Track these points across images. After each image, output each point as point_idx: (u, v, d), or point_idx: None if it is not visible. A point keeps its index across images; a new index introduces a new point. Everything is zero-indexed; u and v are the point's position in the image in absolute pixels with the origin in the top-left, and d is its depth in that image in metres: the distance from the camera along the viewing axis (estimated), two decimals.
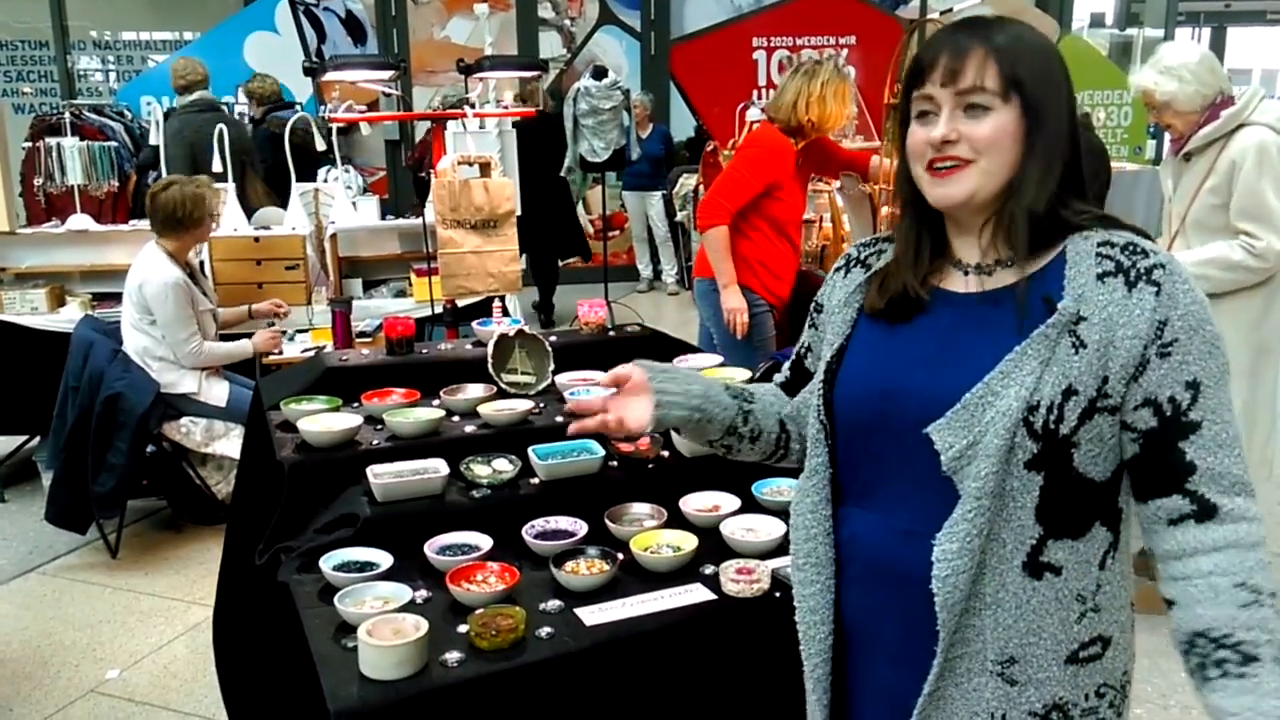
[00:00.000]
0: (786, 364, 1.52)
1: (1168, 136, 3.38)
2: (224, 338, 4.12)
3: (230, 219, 4.69)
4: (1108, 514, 1.19)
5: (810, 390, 1.37)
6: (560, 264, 8.09)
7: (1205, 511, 1.15)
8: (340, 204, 5.01)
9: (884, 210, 4.41)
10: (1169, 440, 1.15)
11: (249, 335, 4.11)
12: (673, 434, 2.26)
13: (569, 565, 1.87)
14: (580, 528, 2.03)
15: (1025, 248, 1.19)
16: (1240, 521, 1.15)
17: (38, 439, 4.83)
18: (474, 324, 2.91)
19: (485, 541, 1.96)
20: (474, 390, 2.51)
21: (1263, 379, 3.25)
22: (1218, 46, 14.52)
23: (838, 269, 1.41)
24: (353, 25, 8.94)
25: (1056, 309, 1.14)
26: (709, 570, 1.89)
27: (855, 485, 1.30)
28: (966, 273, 1.25)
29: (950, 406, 1.16)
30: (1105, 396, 1.14)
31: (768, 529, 2.01)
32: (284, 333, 4.33)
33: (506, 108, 4.84)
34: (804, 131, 3.63)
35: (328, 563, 1.88)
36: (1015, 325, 1.17)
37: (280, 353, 4.26)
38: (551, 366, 2.61)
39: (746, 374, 2.58)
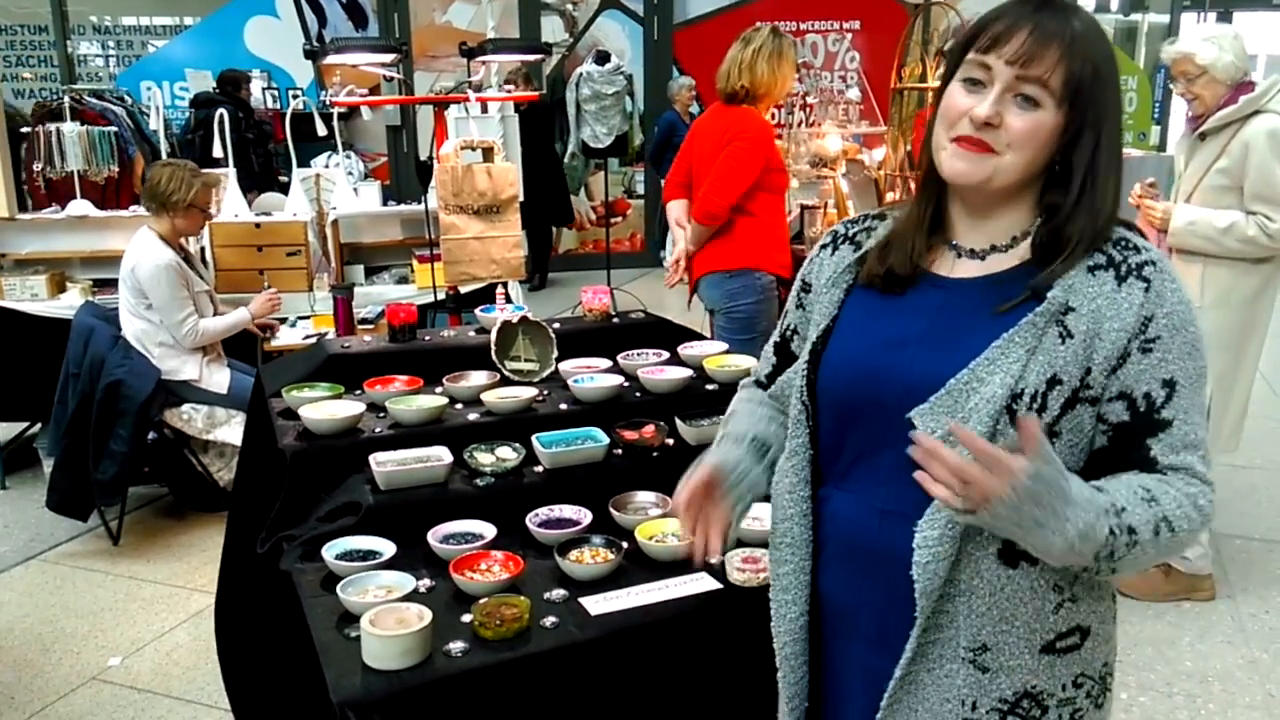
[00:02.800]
0: (768, 348, 1.48)
1: (1184, 116, 3.44)
2: None
3: (230, 205, 4.67)
4: None
5: (794, 371, 1.35)
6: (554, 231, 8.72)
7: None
8: (342, 189, 4.99)
9: (889, 196, 4.39)
10: (1138, 436, 1.15)
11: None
12: (678, 422, 2.25)
13: (573, 554, 1.85)
14: (585, 516, 2.01)
15: (1047, 260, 1.18)
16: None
17: (39, 426, 4.82)
18: (477, 310, 2.89)
19: (489, 530, 1.95)
20: (477, 377, 2.49)
21: (1246, 354, 3.35)
22: None
23: (824, 245, 1.39)
24: (353, 9, 8.89)
25: (1045, 298, 1.14)
26: (714, 559, 1.88)
27: (836, 466, 1.30)
28: (960, 255, 1.24)
29: (933, 390, 1.15)
30: (1087, 388, 1.14)
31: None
32: (284, 319, 4.31)
33: (510, 92, 4.81)
34: (738, 98, 3.64)
35: (330, 551, 1.86)
36: (1003, 313, 1.16)
37: (277, 335, 4.24)
38: (555, 353, 2.59)
39: (751, 362, 2.56)
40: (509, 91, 5.22)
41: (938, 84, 1.25)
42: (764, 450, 1.40)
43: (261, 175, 6.98)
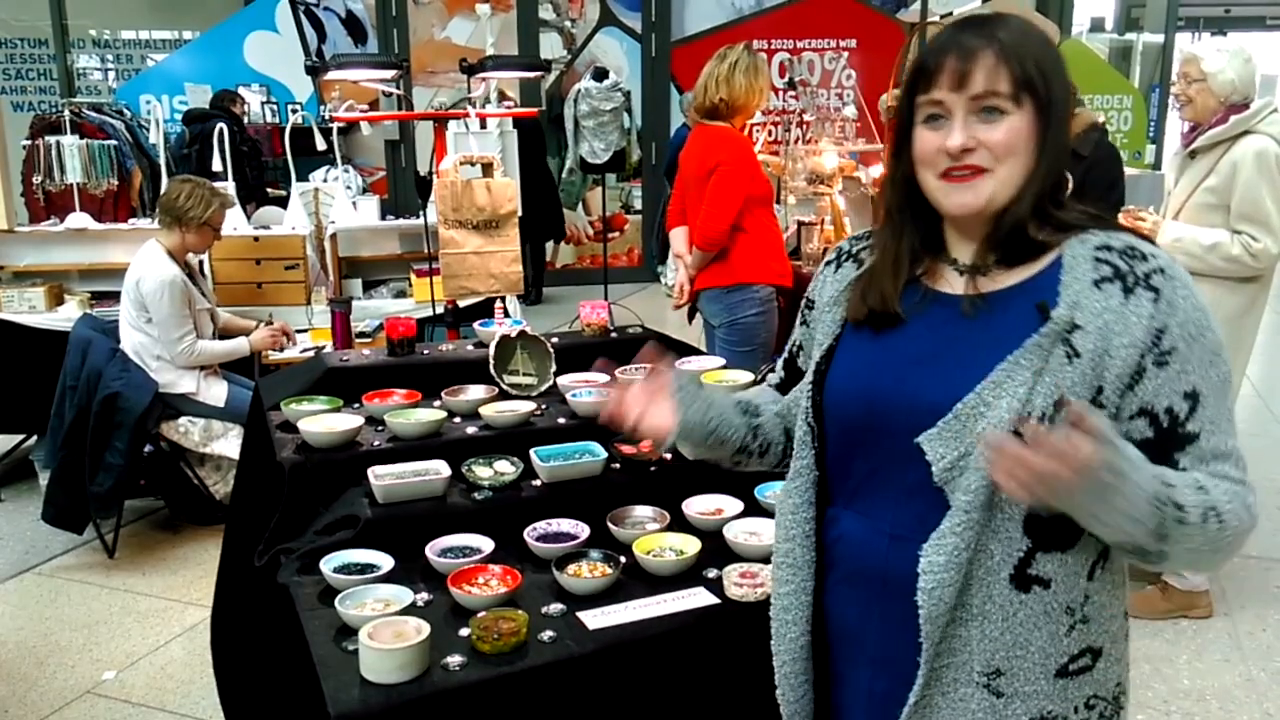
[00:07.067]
0: (779, 362, 1.49)
1: (1179, 134, 3.48)
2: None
3: (230, 218, 4.67)
4: None
5: (800, 390, 1.35)
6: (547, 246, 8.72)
7: None
8: (340, 204, 5.01)
9: None
10: (1165, 452, 1.12)
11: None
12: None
13: (571, 568, 1.85)
14: (582, 530, 2.01)
15: (998, 252, 1.18)
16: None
17: (35, 438, 4.81)
18: (475, 325, 2.90)
19: (487, 544, 1.95)
20: (475, 391, 2.50)
21: (1233, 372, 3.32)
22: None
23: (828, 263, 1.38)
24: (353, 25, 8.92)
25: (1050, 317, 1.11)
26: (712, 574, 1.88)
27: (845, 487, 1.28)
28: (962, 273, 1.22)
29: (939, 414, 1.14)
30: (1100, 407, 1.10)
31: (770, 532, 1.98)
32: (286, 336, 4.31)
33: (510, 108, 4.83)
34: (719, 112, 3.68)
35: (328, 564, 1.86)
36: (1008, 332, 1.14)
37: (281, 350, 4.24)
38: (553, 368, 2.60)
39: (750, 376, 2.56)
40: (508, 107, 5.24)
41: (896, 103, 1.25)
42: (747, 408, 1.42)
43: (254, 189, 7.00)
